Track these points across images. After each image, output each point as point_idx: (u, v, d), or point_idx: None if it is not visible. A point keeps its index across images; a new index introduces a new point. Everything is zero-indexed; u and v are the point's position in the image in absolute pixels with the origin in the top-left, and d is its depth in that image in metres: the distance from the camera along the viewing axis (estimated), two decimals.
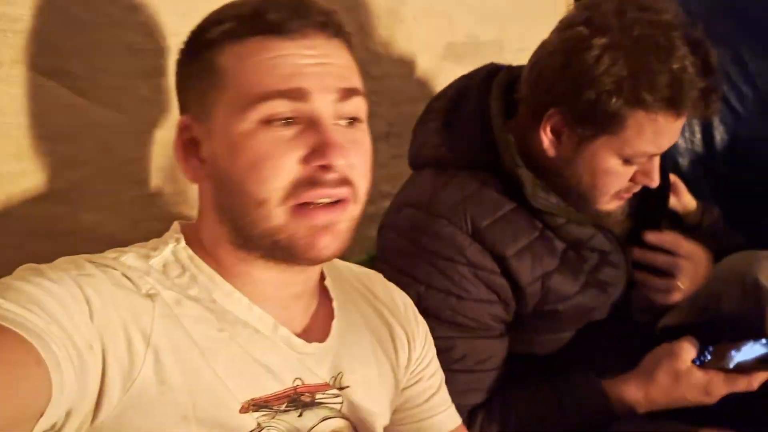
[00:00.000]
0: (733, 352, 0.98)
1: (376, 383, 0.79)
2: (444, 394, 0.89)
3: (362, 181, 0.69)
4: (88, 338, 0.57)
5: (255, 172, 0.64)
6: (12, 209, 0.88)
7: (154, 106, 1.01)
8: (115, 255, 0.66)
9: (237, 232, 0.68)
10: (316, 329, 0.74)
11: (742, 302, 1.32)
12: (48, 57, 0.88)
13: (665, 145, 0.99)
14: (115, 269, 0.64)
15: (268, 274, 0.70)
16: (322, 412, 0.71)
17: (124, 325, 0.60)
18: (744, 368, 0.96)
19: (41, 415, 0.52)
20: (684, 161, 2.40)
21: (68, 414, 0.56)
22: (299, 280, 0.72)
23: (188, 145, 0.69)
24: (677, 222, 1.78)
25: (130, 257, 0.66)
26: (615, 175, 1.01)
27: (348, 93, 0.67)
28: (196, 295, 0.67)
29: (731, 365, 0.97)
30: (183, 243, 0.70)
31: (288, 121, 0.65)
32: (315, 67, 0.66)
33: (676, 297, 1.10)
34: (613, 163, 0.99)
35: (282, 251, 0.67)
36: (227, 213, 0.68)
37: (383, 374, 0.81)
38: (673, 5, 0.97)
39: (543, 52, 1.02)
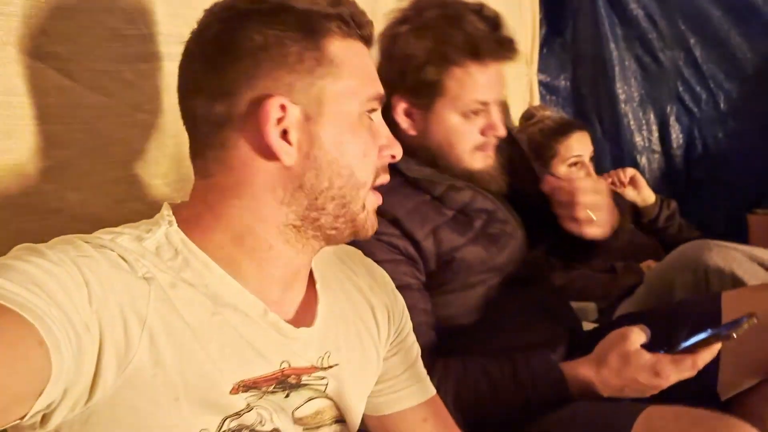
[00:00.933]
0: (682, 342, 1.02)
1: (359, 360, 0.82)
2: (420, 367, 0.93)
3: None
4: (86, 320, 0.58)
5: (365, 158, 0.74)
6: None
7: (138, 90, 1.03)
8: (111, 236, 0.67)
9: (308, 213, 0.73)
10: (305, 313, 0.77)
11: (695, 289, 1.40)
12: (37, 39, 0.90)
13: (491, 92, 1.16)
14: (112, 250, 0.64)
15: (286, 255, 0.73)
16: (307, 393, 0.74)
17: (120, 308, 0.61)
18: (689, 350, 1.01)
19: (40, 394, 0.54)
20: (642, 159, 2.50)
21: (64, 394, 0.57)
22: (308, 260, 0.77)
23: (279, 125, 0.70)
24: (637, 215, 1.88)
25: (125, 239, 0.67)
26: (462, 131, 1.17)
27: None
28: (190, 278, 0.68)
29: (678, 349, 1.02)
30: (175, 226, 0.70)
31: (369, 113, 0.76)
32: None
33: (595, 230, 1.18)
34: (456, 120, 1.16)
35: (352, 229, 0.76)
36: (307, 194, 0.72)
37: (366, 350, 0.84)
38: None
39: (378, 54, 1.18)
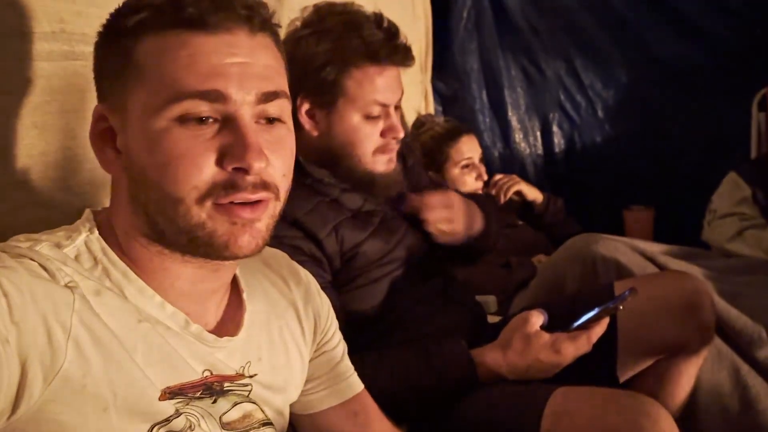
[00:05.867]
0: (576, 322, 1.12)
1: (283, 365, 0.82)
2: (347, 363, 0.94)
3: (283, 181, 0.69)
4: (5, 333, 0.56)
5: (171, 171, 0.64)
6: None
7: (37, 90, 0.99)
8: (29, 244, 0.64)
9: (152, 227, 0.67)
10: (229, 322, 0.76)
11: (583, 278, 1.51)
12: None
13: (389, 94, 1.22)
14: (32, 259, 0.62)
15: (183, 269, 0.70)
16: (232, 398, 0.74)
17: (43, 318, 0.59)
18: (582, 327, 1.11)
19: None
20: (528, 163, 2.65)
21: None
22: (215, 275, 0.73)
23: (104, 134, 0.68)
24: (527, 210, 2.00)
25: (44, 246, 0.64)
26: (363, 132, 1.21)
27: (269, 96, 0.67)
28: (111, 287, 0.66)
29: (573, 326, 1.12)
30: (96, 233, 0.68)
31: (204, 119, 0.64)
32: (234, 67, 0.65)
33: (447, 238, 1.32)
34: (357, 120, 1.21)
35: (200, 248, 0.67)
36: (143, 207, 0.67)
37: (290, 355, 0.84)
38: (360, 6, 1.25)
39: None
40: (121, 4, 0.68)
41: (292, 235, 1.14)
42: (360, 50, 1.18)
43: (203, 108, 0.64)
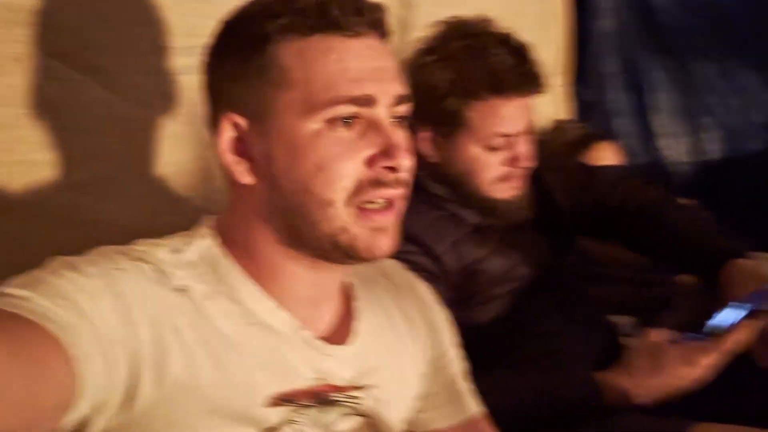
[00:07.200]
0: (707, 323, 0.99)
1: (396, 379, 0.79)
2: (462, 384, 0.89)
3: (410, 179, 0.71)
4: (119, 334, 0.57)
5: (322, 174, 0.65)
6: (37, 197, 0.92)
7: (173, 102, 1.04)
8: (147, 248, 0.66)
9: (291, 232, 0.68)
10: (342, 330, 0.75)
11: None
12: (79, 51, 0.92)
13: (514, 125, 1.13)
14: (147, 262, 0.64)
15: (305, 273, 0.70)
16: (342, 410, 0.72)
17: (155, 320, 0.60)
18: (716, 333, 0.97)
19: (67, 410, 0.53)
20: (673, 172, 2.46)
21: (97, 409, 0.56)
22: (332, 278, 0.73)
23: (236, 142, 0.68)
24: None
25: (162, 250, 0.66)
26: (483, 163, 1.15)
27: (403, 99, 0.69)
28: (225, 292, 0.67)
29: (706, 329, 0.99)
30: (213, 239, 0.70)
31: (350, 120, 0.66)
32: (378, 72, 0.67)
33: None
34: (476, 151, 1.15)
35: (340, 251, 0.67)
36: (282, 213, 0.67)
37: (403, 368, 0.81)
38: (490, 23, 1.17)
39: None
40: (247, 10, 0.68)
41: (410, 250, 1.10)
42: (483, 81, 1.12)
43: (352, 110, 0.65)
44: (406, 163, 0.67)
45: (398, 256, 1.04)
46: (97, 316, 0.56)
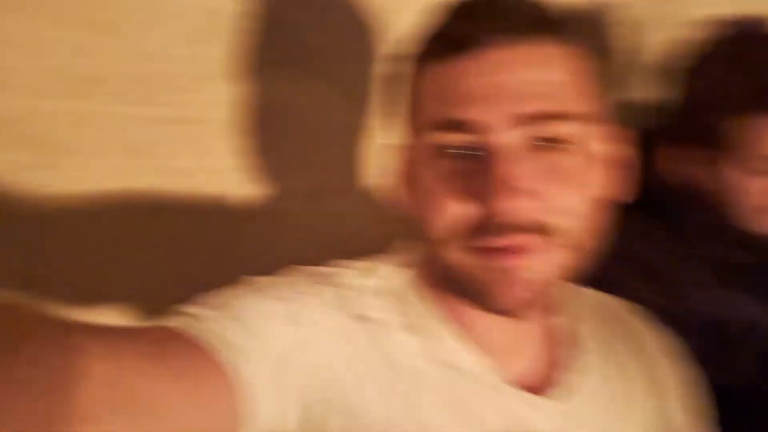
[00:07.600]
0: None
1: None
2: None
3: (568, 221, 0.57)
4: (293, 360, 0.56)
5: (425, 208, 0.59)
6: (264, 205, 0.95)
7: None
8: (334, 270, 0.65)
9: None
10: (553, 381, 0.65)
11: None
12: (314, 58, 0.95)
13: None
14: (330, 286, 0.62)
15: (476, 313, 0.62)
16: None
17: (329, 348, 0.58)
18: None
19: None
20: None
21: None
22: (514, 327, 0.63)
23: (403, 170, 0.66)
24: None
25: (350, 274, 0.64)
26: (743, 188, 0.97)
27: (538, 117, 0.55)
28: (409, 325, 0.63)
29: None
30: (404, 268, 0.66)
31: (460, 151, 0.57)
32: (490, 89, 0.55)
33: None
34: (736, 175, 0.97)
35: (467, 293, 0.60)
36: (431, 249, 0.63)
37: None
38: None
39: None
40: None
41: (646, 288, 0.95)
42: (749, 97, 0.95)
43: (456, 139, 0.57)
44: (509, 205, 0.54)
45: (630, 295, 0.91)
46: (272, 342, 0.56)
